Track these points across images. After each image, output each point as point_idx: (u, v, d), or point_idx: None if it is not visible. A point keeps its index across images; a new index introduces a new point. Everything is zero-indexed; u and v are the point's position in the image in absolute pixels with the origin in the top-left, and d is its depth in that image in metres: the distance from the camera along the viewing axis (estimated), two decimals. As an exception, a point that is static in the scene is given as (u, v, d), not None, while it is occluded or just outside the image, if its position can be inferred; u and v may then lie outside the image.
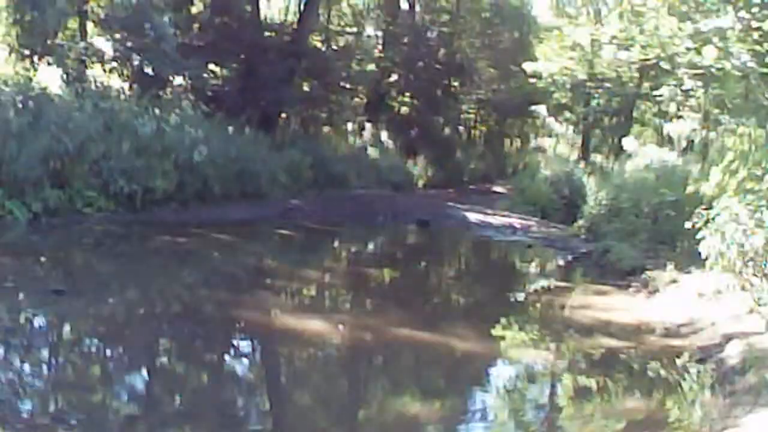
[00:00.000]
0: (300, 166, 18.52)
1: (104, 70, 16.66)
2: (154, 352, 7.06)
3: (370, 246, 16.51)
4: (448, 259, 15.43)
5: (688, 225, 8.78)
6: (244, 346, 7.88)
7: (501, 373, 7.41)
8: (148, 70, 16.10)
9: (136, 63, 17.12)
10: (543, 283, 12.29)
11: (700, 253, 8.38)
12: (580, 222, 16.98)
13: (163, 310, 8.49)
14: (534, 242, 15.80)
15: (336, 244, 15.82)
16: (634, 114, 31.19)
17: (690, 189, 10.61)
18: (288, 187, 17.71)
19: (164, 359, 7.20)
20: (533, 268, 14.26)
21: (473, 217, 18.45)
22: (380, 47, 31.05)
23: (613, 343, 8.10)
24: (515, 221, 18.56)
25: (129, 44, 17.00)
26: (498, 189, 35.02)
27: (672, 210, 12.97)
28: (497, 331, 8.78)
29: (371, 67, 30.71)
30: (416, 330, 8.02)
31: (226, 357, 7.30)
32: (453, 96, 33.30)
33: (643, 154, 18.41)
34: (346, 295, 10.39)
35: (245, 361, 7.39)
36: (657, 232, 13.31)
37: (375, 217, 17.29)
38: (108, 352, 6.97)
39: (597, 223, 15.71)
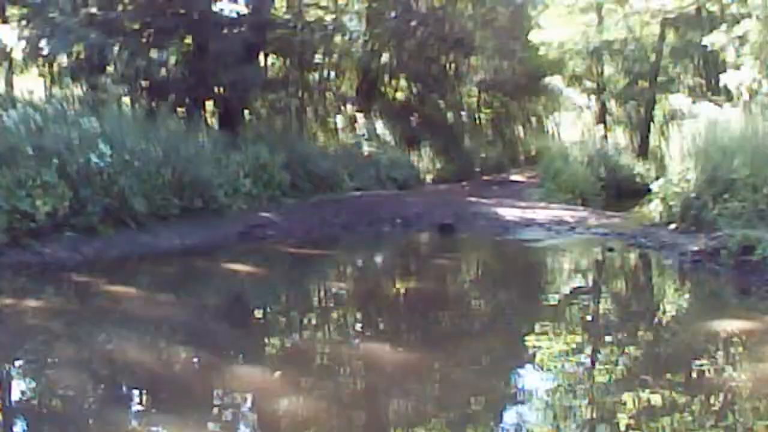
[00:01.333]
0: (269, 167, 13.79)
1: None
2: None
3: (380, 282, 9.49)
4: (506, 292, 8.87)
5: None
6: None
7: None
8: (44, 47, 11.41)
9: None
10: (702, 326, 6.69)
11: None
12: (656, 206, 12.35)
13: None
14: (608, 241, 11.06)
15: (320, 285, 9.14)
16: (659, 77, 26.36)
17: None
18: (255, 196, 12.99)
19: None
20: (656, 294, 8.90)
21: (508, 213, 13.72)
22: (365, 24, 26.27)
23: None
24: (563, 214, 13.85)
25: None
26: (516, 178, 30.33)
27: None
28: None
29: (356, 48, 26.05)
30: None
31: None
32: (453, 76, 28.48)
33: (705, 113, 13.89)
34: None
35: None
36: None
37: (380, 226, 12.55)
38: None
39: (690, 205, 11.00)
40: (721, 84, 16.65)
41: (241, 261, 9.67)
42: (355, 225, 12.31)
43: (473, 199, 16.88)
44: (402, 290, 8.57)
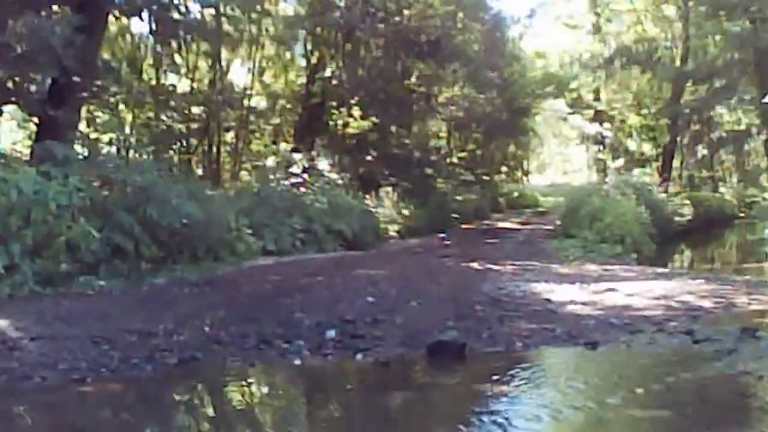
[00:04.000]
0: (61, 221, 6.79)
1: None
2: None
3: None
4: None
5: None
6: None
7: None
8: None
9: None
10: None
11: None
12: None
13: None
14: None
15: None
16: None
17: None
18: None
19: None
20: None
21: (564, 297, 7.01)
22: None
23: None
24: (657, 286, 7.05)
25: None
26: (506, 225, 23.71)
27: None
28: None
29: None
30: None
31: None
32: (422, 96, 21.79)
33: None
34: None
35: None
36: None
37: (292, 345, 5.26)
38: None
39: None
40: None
41: None
42: (233, 343, 5.21)
43: (475, 265, 10.05)
44: None
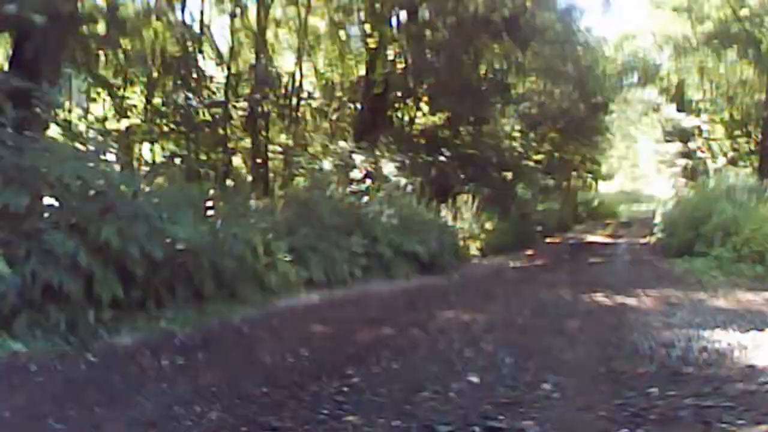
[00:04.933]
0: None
1: None
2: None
3: None
4: None
5: None
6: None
7: None
8: None
9: None
10: None
11: None
12: None
13: None
14: None
15: None
16: None
17: None
18: None
19: None
20: None
21: (760, 353, 4.03)
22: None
23: None
24: None
25: None
26: (595, 238, 20.35)
27: None
28: None
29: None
30: None
31: None
32: (499, 86, 18.64)
33: None
34: None
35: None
36: None
37: None
38: None
39: None
40: None
41: None
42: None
43: (601, 298, 7.42)
44: None
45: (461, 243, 13.22)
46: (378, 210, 10.77)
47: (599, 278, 10.11)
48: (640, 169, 53.85)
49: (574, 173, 31.28)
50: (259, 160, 14.56)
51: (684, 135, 18.46)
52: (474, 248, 13.66)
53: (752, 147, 18.81)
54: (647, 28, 18.55)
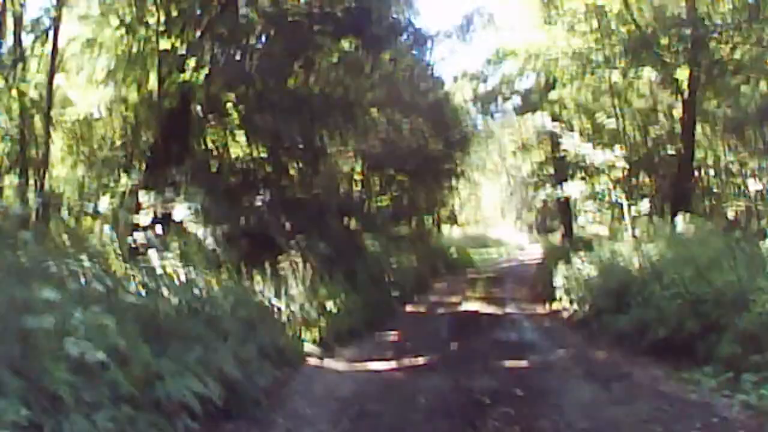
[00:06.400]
0: None
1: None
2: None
3: None
4: None
5: None
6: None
7: None
8: None
9: None
10: None
11: None
12: None
13: None
14: None
15: None
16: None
17: None
18: None
19: None
20: None
21: None
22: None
23: None
24: None
25: None
26: (470, 304, 15.61)
27: None
28: None
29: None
30: None
31: None
32: (343, 104, 13.97)
33: None
34: None
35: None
36: None
37: None
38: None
39: None
40: None
41: None
42: None
43: None
44: None
45: (290, 334, 8.25)
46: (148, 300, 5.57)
47: (541, 410, 5.35)
48: (482, 211, 51.61)
49: (428, 219, 27.25)
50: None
51: (590, 170, 14.59)
52: (309, 340, 8.69)
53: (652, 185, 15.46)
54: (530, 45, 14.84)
